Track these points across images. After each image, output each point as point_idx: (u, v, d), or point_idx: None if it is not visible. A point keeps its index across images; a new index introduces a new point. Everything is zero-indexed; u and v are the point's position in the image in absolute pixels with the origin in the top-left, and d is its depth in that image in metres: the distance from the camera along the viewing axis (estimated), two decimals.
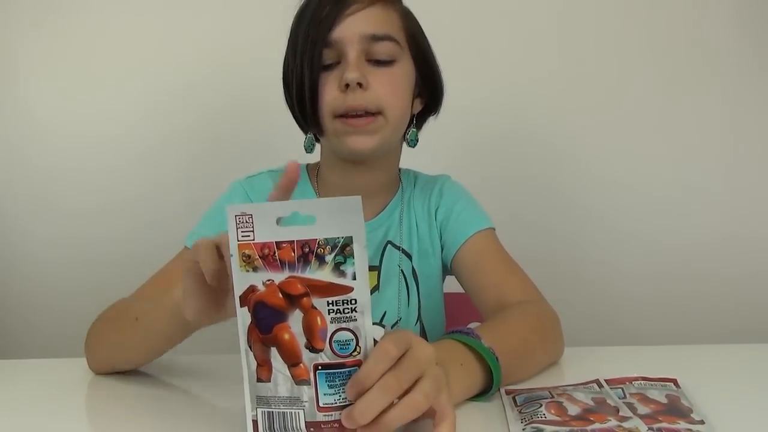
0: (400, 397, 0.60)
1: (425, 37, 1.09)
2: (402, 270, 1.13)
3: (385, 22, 1.02)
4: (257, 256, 0.59)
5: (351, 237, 0.59)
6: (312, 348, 0.60)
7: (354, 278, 0.60)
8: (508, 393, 0.80)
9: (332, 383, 0.60)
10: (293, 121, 1.08)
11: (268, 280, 0.60)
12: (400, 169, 1.18)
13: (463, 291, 1.12)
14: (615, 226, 1.98)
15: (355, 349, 0.60)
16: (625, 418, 0.69)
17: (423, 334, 1.15)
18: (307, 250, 0.59)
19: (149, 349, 0.89)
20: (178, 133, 1.94)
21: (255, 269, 0.60)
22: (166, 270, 1.05)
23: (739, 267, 1.97)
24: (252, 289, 0.60)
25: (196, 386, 0.87)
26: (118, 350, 0.92)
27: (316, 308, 0.60)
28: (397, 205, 1.15)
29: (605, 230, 1.98)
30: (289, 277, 0.60)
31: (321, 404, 0.61)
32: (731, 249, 1.97)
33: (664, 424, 0.68)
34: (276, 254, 0.59)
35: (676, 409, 0.73)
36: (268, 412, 0.62)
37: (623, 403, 0.74)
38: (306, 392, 0.61)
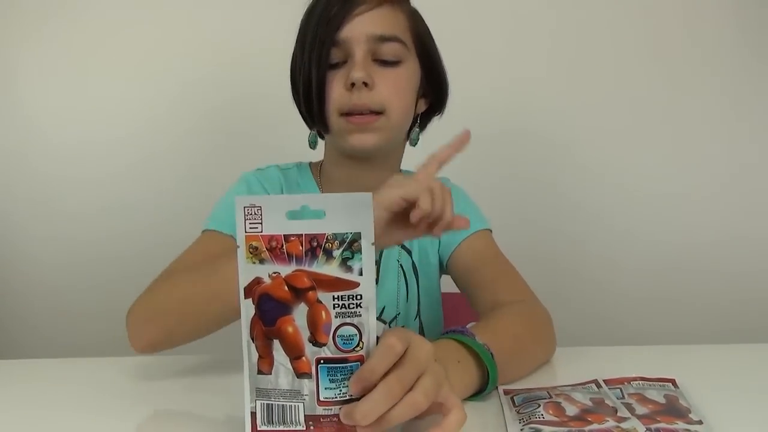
0: None
1: (432, 38, 1.10)
2: (401, 265, 1.13)
3: (393, 22, 1.02)
4: (264, 248, 0.59)
5: (360, 233, 0.59)
6: (315, 342, 0.60)
7: (360, 274, 0.60)
8: (506, 393, 0.80)
9: (334, 378, 0.60)
10: (294, 121, 1.08)
11: (275, 273, 0.59)
12: (401, 170, 1.18)
13: (457, 290, 1.12)
14: (615, 224, 1.99)
15: (358, 345, 0.60)
16: (623, 419, 0.69)
17: (421, 330, 1.16)
18: (315, 244, 0.59)
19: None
20: (179, 135, 1.93)
21: (261, 261, 0.59)
22: (185, 258, 1.03)
23: (740, 266, 1.99)
24: (257, 281, 0.60)
25: (197, 386, 0.86)
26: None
27: (321, 302, 0.59)
28: None
29: (605, 229, 1.99)
30: (296, 271, 0.59)
31: (321, 398, 0.61)
32: (731, 248, 1.99)
33: (662, 425, 0.68)
34: (284, 247, 0.59)
35: (674, 410, 0.73)
36: (267, 404, 0.61)
37: (621, 403, 0.74)
38: (307, 386, 0.61)
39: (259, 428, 0.62)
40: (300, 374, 0.60)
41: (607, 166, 1.97)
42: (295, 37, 1.05)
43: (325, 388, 0.60)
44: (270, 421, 0.61)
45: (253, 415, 0.62)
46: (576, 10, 1.92)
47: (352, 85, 0.98)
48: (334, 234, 0.59)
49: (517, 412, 0.73)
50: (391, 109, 1.01)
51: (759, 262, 1.99)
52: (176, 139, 1.93)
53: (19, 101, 1.92)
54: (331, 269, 0.59)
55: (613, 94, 1.95)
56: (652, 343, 0.99)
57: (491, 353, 0.78)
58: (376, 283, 1.09)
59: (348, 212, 0.59)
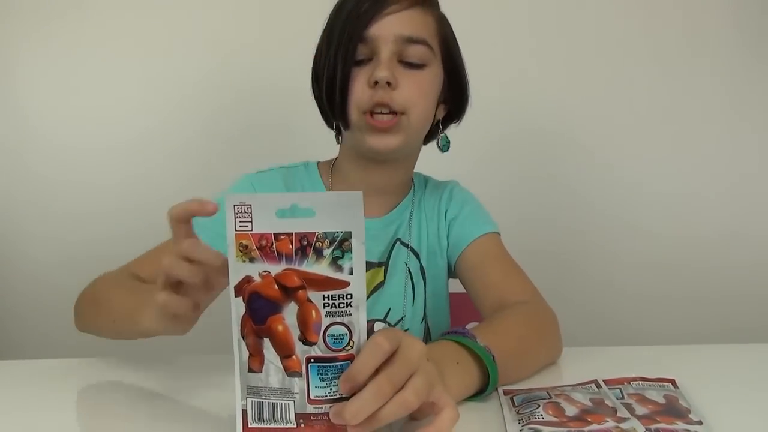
0: None
1: (457, 45, 1.09)
2: (409, 268, 1.13)
3: (422, 25, 1.01)
4: (254, 247, 0.59)
5: (350, 232, 0.59)
6: (305, 341, 0.60)
7: (351, 273, 0.59)
8: (506, 393, 0.79)
9: (324, 376, 0.60)
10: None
11: (265, 272, 0.59)
12: (415, 173, 1.18)
13: (463, 291, 1.11)
14: (616, 224, 1.98)
15: (348, 344, 0.60)
16: (622, 419, 0.68)
17: (427, 333, 1.15)
18: (305, 243, 0.59)
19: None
20: (178, 135, 1.93)
21: (252, 260, 0.59)
22: (158, 249, 1.06)
23: (740, 265, 1.97)
24: (247, 279, 0.59)
25: (196, 385, 0.86)
26: (96, 331, 0.95)
27: (311, 301, 0.59)
28: (408, 204, 1.15)
29: (606, 229, 1.98)
30: (286, 269, 0.59)
31: (312, 396, 0.60)
32: (732, 247, 1.97)
33: (662, 425, 0.67)
34: (274, 246, 0.59)
35: (674, 410, 0.72)
36: (258, 402, 0.61)
37: (621, 403, 0.73)
38: (297, 384, 0.60)
39: (249, 426, 0.61)
40: (290, 373, 0.60)
41: (609, 165, 1.96)
42: (321, 32, 1.04)
43: (316, 387, 0.60)
44: (261, 419, 0.61)
45: (244, 412, 0.61)
46: (577, 10, 1.92)
47: (376, 83, 0.97)
48: (325, 233, 0.58)
49: (517, 413, 0.72)
50: (411, 111, 1.00)
51: (760, 260, 1.97)
52: (176, 140, 1.93)
53: (18, 102, 1.93)
54: (321, 268, 0.59)
55: (615, 92, 1.94)
56: (653, 343, 0.98)
57: (492, 355, 0.77)
58: (383, 285, 1.09)
59: (338, 211, 0.58)
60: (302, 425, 0.61)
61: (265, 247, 0.58)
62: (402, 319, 1.11)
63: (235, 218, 0.58)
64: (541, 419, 0.69)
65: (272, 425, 0.61)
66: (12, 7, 1.87)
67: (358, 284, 0.59)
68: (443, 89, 1.07)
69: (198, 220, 1.04)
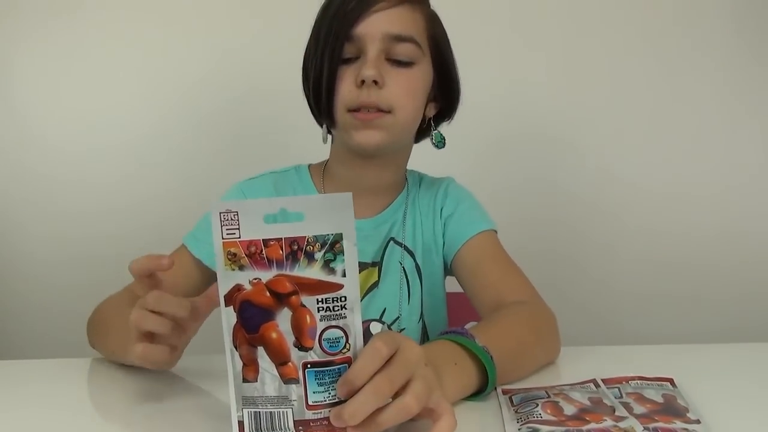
0: (393, 398, 0.59)
1: (448, 43, 1.07)
2: (403, 267, 1.11)
3: (410, 23, 0.99)
4: (243, 254, 0.57)
5: (341, 234, 0.58)
6: (301, 346, 0.58)
7: (344, 275, 0.58)
8: (504, 393, 0.78)
9: (322, 381, 0.59)
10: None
11: (255, 279, 0.58)
12: (406, 170, 1.16)
13: (461, 290, 1.10)
14: (614, 224, 1.97)
15: (344, 347, 0.59)
16: (621, 418, 0.68)
17: (425, 332, 1.13)
18: (295, 247, 0.57)
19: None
20: (178, 135, 1.93)
21: (241, 268, 0.57)
22: None
23: (739, 264, 1.96)
24: (238, 288, 0.58)
25: (196, 385, 0.85)
26: (105, 356, 0.95)
27: (305, 306, 0.58)
28: (401, 203, 1.13)
29: (605, 229, 1.97)
30: (277, 276, 0.58)
31: (310, 402, 0.59)
32: (730, 246, 1.96)
33: (660, 424, 0.66)
34: (263, 252, 0.57)
35: (672, 409, 0.71)
36: (255, 412, 0.60)
37: (619, 402, 0.72)
38: (295, 391, 0.59)
39: None
40: (287, 380, 0.59)
41: (608, 164, 1.95)
42: (310, 31, 1.03)
43: (314, 392, 0.59)
44: (258, 429, 0.60)
45: (241, 424, 0.60)
46: (577, 10, 1.91)
47: (362, 82, 0.95)
48: (315, 236, 0.57)
49: (515, 412, 0.72)
50: (398, 109, 0.98)
51: (758, 259, 1.96)
52: (174, 139, 1.92)
53: (17, 101, 1.92)
54: (314, 272, 0.57)
55: (614, 91, 1.93)
56: (651, 342, 0.96)
57: (490, 356, 0.76)
58: (378, 285, 1.07)
59: (328, 213, 0.57)
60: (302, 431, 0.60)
61: (255, 254, 0.57)
62: (398, 318, 1.09)
63: (221, 226, 0.57)
64: (539, 418, 0.68)
65: None
66: (11, 7, 1.86)
67: (351, 286, 0.58)
68: (433, 87, 1.05)
69: (198, 234, 1.04)
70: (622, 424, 0.66)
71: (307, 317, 0.57)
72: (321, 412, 0.59)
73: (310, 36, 1.02)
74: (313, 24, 1.02)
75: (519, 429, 0.67)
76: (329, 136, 1.09)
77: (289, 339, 0.58)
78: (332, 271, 0.57)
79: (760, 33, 1.89)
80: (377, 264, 1.10)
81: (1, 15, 1.87)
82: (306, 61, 1.03)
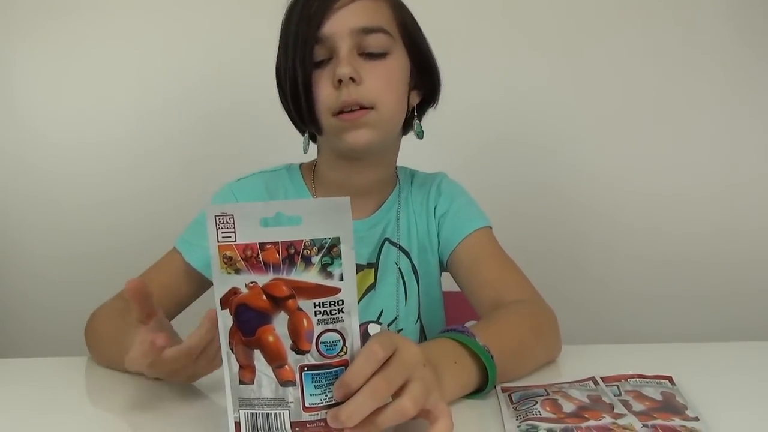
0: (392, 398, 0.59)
1: (419, 28, 1.04)
2: (399, 267, 1.09)
3: (376, 14, 0.96)
4: (239, 258, 0.57)
5: (338, 238, 0.57)
6: (298, 350, 0.58)
7: (341, 279, 0.57)
8: (503, 390, 0.78)
9: (318, 384, 0.58)
10: (288, 123, 1.03)
11: (252, 282, 0.57)
12: (396, 167, 1.14)
13: (459, 290, 1.08)
14: (613, 223, 1.96)
15: (341, 350, 0.58)
16: (619, 415, 0.67)
17: (422, 332, 1.12)
18: (292, 251, 0.57)
19: None
20: (175, 133, 1.92)
21: (237, 271, 0.57)
22: (150, 273, 1.05)
23: (737, 262, 1.95)
24: (234, 291, 0.57)
25: (194, 386, 0.84)
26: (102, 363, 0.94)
27: (302, 310, 0.57)
28: (394, 202, 1.11)
29: (603, 228, 1.96)
30: (274, 279, 0.57)
31: (307, 404, 0.59)
32: (728, 244, 1.95)
33: (659, 421, 0.66)
34: (259, 256, 0.57)
35: (670, 406, 0.71)
36: (252, 413, 0.59)
37: (618, 400, 0.72)
38: (291, 393, 0.59)
39: None
40: (284, 382, 0.58)
41: (608, 163, 1.94)
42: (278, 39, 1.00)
43: (311, 395, 0.58)
44: (255, 430, 0.60)
45: (237, 425, 0.60)
46: (576, 10, 1.89)
47: (340, 81, 0.92)
48: (312, 240, 0.57)
49: (515, 409, 0.71)
50: (381, 104, 0.95)
51: (756, 257, 1.95)
52: (174, 136, 1.92)
53: (16, 99, 1.91)
54: (311, 276, 0.57)
55: (613, 90, 1.91)
56: (650, 341, 0.95)
57: (491, 354, 0.76)
58: (374, 286, 1.06)
59: (326, 217, 0.56)
60: None
61: (251, 257, 0.56)
62: (395, 319, 1.08)
63: (217, 230, 0.56)
64: (538, 415, 0.68)
65: None
66: (10, 7, 1.85)
67: (349, 290, 0.57)
68: (412, 75, 1.02)
69: (190, 238, 1.03)
70: (620, 422, 0.65)
71: (304, 321, 0.57)
72: (318, 414, 0.58)
73: (279, 45, 0.99)
74: (279, 33, 0.99)
75: (518, 426, 0.66)
76: (311, 143, 1.07)
77: (286, 342, 0.57)
78: (330, 275, 0.57)
79: (760, 32, 1.88)
80: (373, 265, 1.08)
81: (1, 17, 1.86)
82: (278, 71, 1.00)
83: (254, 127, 1.86)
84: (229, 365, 0.59)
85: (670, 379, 0.78)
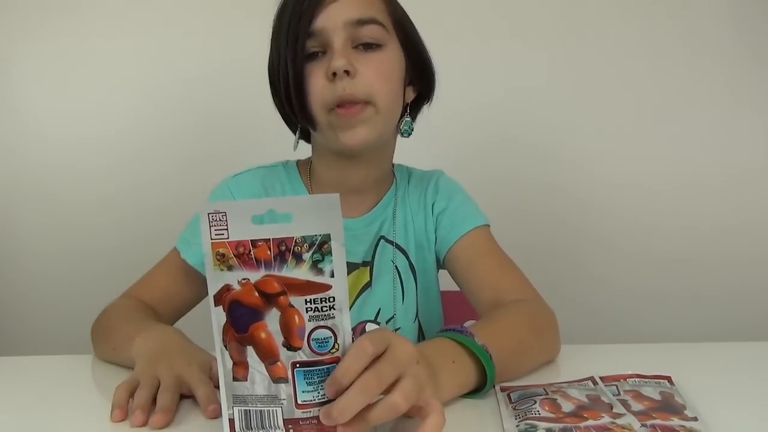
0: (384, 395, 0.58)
1: (412, 23, 1.02)
2: (396, 266, 1.08)
3: (369, 6, 0.95)
4: (232, 255, 0.57)
5: (329, 234, 0.57)
6: (290, 346, 0.58)
7: (332, 276, 0.57)
8: (502, 390, 0.77)
9: (311, 381, 0.58)
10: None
11: (244, 279, 0.57)
12: (393, 164, 1.12)
13: (459, 289, 1.07)
14: (612, 223, 1.94)
15: (333, 347, 0.58)
16: (618, 415, 0.66)
17: (420, 330, 1.11)
18: (283, 248, 0.57)
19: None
20: (175, 129, 1.91)
21: (230, 268, 0.57)
22: (154, 273, 1.06)
23: (737, 262, 1.92)
24: (227, 288, 0.57)
25: None
26: (106, 359, 0.95)
27: (293, 306, 0.57)
28: (390, 200, 1.10)
29: (602, 228, 1.94)
30: (266, 276, 0.57)
31: (299, 401, 0.58)
32: (728, 244, 1.92)
33: (658, 421, 0.65)
34: (251, 253, 0.57)
35: (669, 406, 0.70)
36: (245, 410, 0.59)
37: (617, 400, 0.71)
38: (284, 390, 0.58)
39: None
40: (276, 379, 0.58)
41: (608, 162, 1.92)
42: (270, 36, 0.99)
43: (303, 392, 0.58)
44: (249, 427, 0.59)
45: (231, 422, 0.60)
46: (575, 10, 1.87)
47: (334, 75, 0.91)
48: (303, 237, 0.57)
49: (513, 409, 0.71)
50: (378, 97, 0.93)
51: (756, 257, 1.92)
52: (173, 132, 1.91)
53: (16, 97, 1.91)
54: (302, 272, 0.57)
55: (613, 89, 1.89)
56: (649, 341, 0.93)
57: (489, 354, 0.75)
58: (370, 285, 1.05)
59: (316, 214, 0.56)
60: (291, 430, 0.59)
61: (243, 254, 0.56)
62: (393, 317, 1.07)
63: (210, 227, 0.56)
64: (537, 415, 0.67)
65: None
66: (11, 3, 1.86)
67: (339, 286, 0.57)
68: (407, 71, 1.00)
69: (188, 237, 1.02)
70: (619, 421, 0.64)
71: (296, 317, 0.57)
72: (310, 411, 0.58)
73: (271, 42, 0.98)
74: (271, 31, 0.98)
75: (517, 426, 0.66)
76: (300, 142, 1.05)
77: (278, 339, 0.57)
78: (320, 271, 0.57)
79: (759, 31, 1.86)
80: (368, 264, 1.07)
81: (1, 15, 1.87)
82: (271, 66, 0.99)
83: (254, 124, 1.82)
84: (222, 362, 0.59)
85: (668, 379, 0.77)
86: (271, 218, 0.57)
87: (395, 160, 1.11)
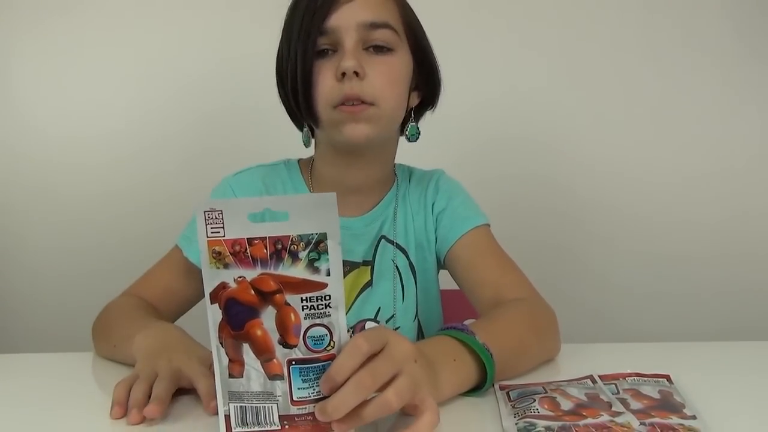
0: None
1: (422, 29, 1.02)
2: (396, 265, 1.07)
3: (383, 9, 0.94)
4: (228, 253, 0.57)
5: (325, 233, 0.57)
6: (285, 344, 0.58)
7: (328, 274, 0.57)
8: (502, 388, 0.77)
9: (306, 377, 0.58)
10: (287, 121, 1.01)
11: (240, 277, 0.57)
12: (395, 164, 1.12)
13: (458, 288, 1.07)
14: (611, 223, 1.92)
15: (329, 344, 0.58)
16: (617, 413, 0.66)
17: (420, 329, 1.11)
18: (279, 246, 0.57)
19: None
20: (174, 128, 1.90)
21: (226, 266, 0.57)
22: (155, 271, 1.05)
23: (736, 262, 1.90)
24: (223, 285, 0.58)
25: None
26: (106, 356, 0.94)
27: (289, 305, 0.57)
28: (392, 199, 1.09)
29: (602, 227, 1.92)
30: (262, 274, 0.57)
31: (295, 398, 0.59)
32: (728, 243, 1.90)
33: (657, 419, 0.65)
34: (248, 251, 0.57)
35: (668, 405, 0.69)
36: (241, 406, 0.59)
37: (616, 398, 0.71)
38: (279, 387, 0.59)
39: (234, 430, 0.60)
40: (272, 376, 0.59)
41: (608, 162, 1.90)
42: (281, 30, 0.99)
43: (298, 389, 0.58)
44: (244, 423, 0.60)
45: (227, 418, 0.60)
46: (575, 10, 1.85)
47: (343, 75, 0.90)
48: (300, 235, 0.57)
49: (513, 407, 0.70)
50: (383, 101, 0.93)
51: (756, 257, 1.90)
52: (174, 130, 1.89)
53: (16, 94, 1.89)
54: (298, 271, 0.57)
55: (613, 88, 1.87)
56: (649, 339, 0.92)
57: (490, 353, 0.75)
58: (371, 284, 1.05)
59: (312, 213, 0.56)
60: (287, 426, 0.59)
61: (239, 252, 0.57)
62: (392, 317, 1.06)
63: (206, 225, 0.56)
64: (536, 413, 0.67)
65: (256, 428, 0.59)
66: (8, 4, 1.85)
67: (335, 285, 0.57)
68: (414, 76, 1.00)
69: (190, 235, 1.02)
70: (618, 420, 0.64)
71: (292, 315, 0.57)
72: (306, 408, 0.59)
73: (282, 36, 0.97)
74: (283, 24, 0.98)
75: (516, 424, 0.65)
76: (312, 139, 1.04)
77: (274, 336, 0.58)
78: (316, 270, 0.57)
79: (759, 30, 1.84)
80: (369, 263, 1.06)
81: (1, 13, 1.87)
82: (280, 62, 0.98)
83: (255, 122, 1.84)
84: (219, 359, 0.59)
85: (667, 377, 0.77)
86: (267, 217, 0.57)
87: (396, 159, 1.10)
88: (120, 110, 1.89)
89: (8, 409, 0.76)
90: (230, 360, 0.58)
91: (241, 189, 1.06)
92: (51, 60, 1.88)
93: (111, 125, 1.90)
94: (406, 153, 1.09)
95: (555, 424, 0.63)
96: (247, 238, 0.56)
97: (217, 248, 0.56)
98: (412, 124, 1.03)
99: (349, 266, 1.04)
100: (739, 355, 0.90)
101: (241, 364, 0.58)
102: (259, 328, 0.57)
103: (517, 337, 0.82)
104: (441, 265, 1.10)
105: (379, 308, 1.06)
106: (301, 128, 1.03)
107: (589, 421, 0.64)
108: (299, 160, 1.11)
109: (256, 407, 0.58)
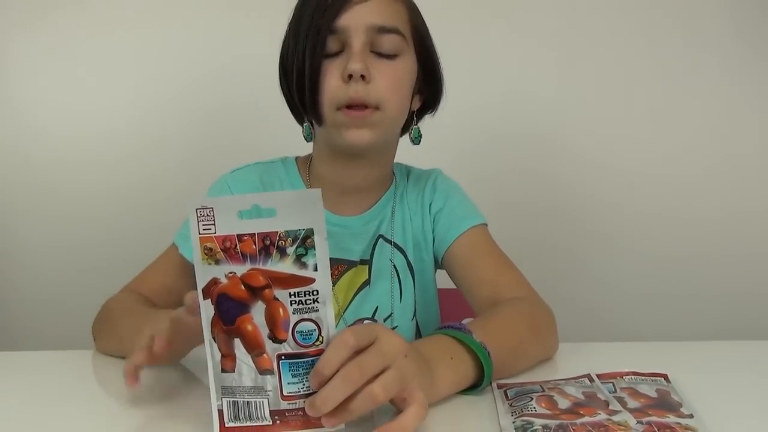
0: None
1: (429, 34, 1.02)
2: (394, 264, 1.07)
3: (394, 14, 0.94)
4: (219, 249, 0.58)
5: (312, 229, 0.57)
6: (275, 339, 0.58)
7: (315, 269, 0.58)
8: (499, 387, 0.76)
9: (296, 372, 0.58)
10: (286, 119, 1.01)
11: (231, 273, 0.58)
12: (395, 163, 1.12)
13: (455, 287, 1.07)
14: (610, 222, 1.90)
15: (317, 339, 0.59)
16: (614, 412, 0.65)
17: (417, 328, 1.10)
18: (268, 242, 0.57)
19: None
20: (173, 126, 1.89)
21: (217, 262, 0.58)
22: (153, 268, 1.06)
23: (735, 261, 1.88)
24: (214, 281, 0.58)
25: (194, 377, 0.84)
26: (111, 352, 0.94)
27: (278, 300, 0.58)
28: (389, 199, 1.09)
29: (600, 227, 1.90)
30: (251, 270, 0.58)
31: (285, 393, 0.59)
32: (728, 242, 1.88)
33: (654, 418, 0.64)
34: (237, 247, 0.57)
35: (665, 403, 0.69)
36: (233, 401, 0.60)
37: (613, 397, 0.70)
38: (270, 381, 0.59)
39: (226, 425, 0.60)
40: (262, 371, 0.59)
41: (608, 161, 1.88)
42: (287, 25, 0.99)
43: (288, 383, 0.59)
44: (237, 418, 0.60)
45: (220, 412, 0.60)
46: (575, 9, 1.84)
47: (350, 77, 0.89)
48: (287, 231, 0.57)
49: (510, 405, 0.70)
50: (387, 105, 0.93)
51: (755, 257, 1.87)
52: (173, 128, 1.89)
53: (13, 91, 1.88)
54: (286, 266, 0.57)
55: (613, 88, 1.86)
56: (646, 338, 0.90)
57: (487, 351, 0.74)
58: (369, 283, 1.04)
59: (299, 209, 0.57)
60: (278, 421, 0.60)
61: (230, 248, 0.57)
62: (390, 316, 1.06)
63: (198, 222, 0.57)
64: (533, 412, 0.66)
65: (248, 423, 0.60)
66: (9, 3, 1.85)
67: (323, 280, 0.58)
68: (417, 79, 1.00)
69: (186, 232, 1.02)
70: (615, 418, 0.63)
71: (280, 310, 0.57)
72: (296, 403, 0.59)
73: (288, 31, 0.97)
74: (290, 18, 0.97)
75: (513, 422, 0.65)
76: (299, 141, 1.05)
77: (264, 331, 0.58)
78: (304, 265, 0.57)
79: (759, 30, 1.82)
80: (366, 262, 1.06)
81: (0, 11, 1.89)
82: (284, 58, 0.98)
83: (255, 121, 1.85)
84: (211, 354, 0.59)
85: (665, 376, 0.76)
86: (256, 213, 0.58)
87: (395, 159, 1.10)
88: (120, 109, 1.90)
89: (8, 407, 0.76)
90: (222, 355, 0.59)
91: (238, 186, 1.05)
92: (50, 58, 1.88)
93: (111, 124, 1.90)
94: (404, 152, 1.09)
95: (552, 423, 0.63)
96: (237, 235, 0.56)
97: (208, 245, 0.57)
98: (415, 127, 1.03)
99: (346, 265, 1.04)
100: (736, 354, 0.90)
101: (233, 359, 0.59)
102: (250, 323, 0.57)
103: (515, 335, 0.82)
104: (438, 264, 1.10)
105: (377, 307, 1.05)
106: (301, 123, 1.03)
107: (587, 419, 0.63)
108: (297, 158, 1.11)
109: (248, 402, 0.59)
